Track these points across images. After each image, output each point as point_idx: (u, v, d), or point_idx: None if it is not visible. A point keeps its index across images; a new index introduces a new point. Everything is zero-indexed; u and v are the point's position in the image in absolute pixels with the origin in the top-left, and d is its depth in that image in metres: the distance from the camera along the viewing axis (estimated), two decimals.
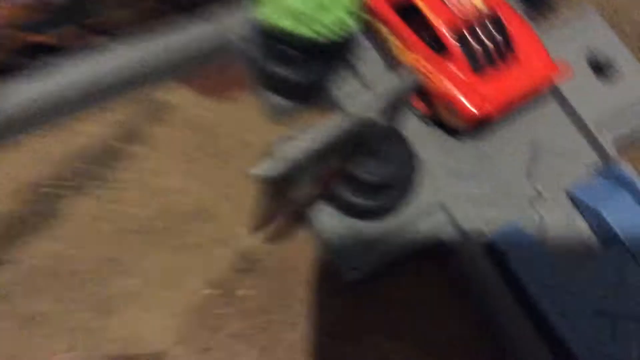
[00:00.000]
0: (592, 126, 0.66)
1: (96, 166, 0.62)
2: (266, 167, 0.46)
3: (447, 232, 0.61)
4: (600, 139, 0.66)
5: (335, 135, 0.47)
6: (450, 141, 0.64)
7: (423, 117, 0.64)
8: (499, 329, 0.60)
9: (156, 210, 0.62)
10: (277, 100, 0.65)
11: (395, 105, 0.53)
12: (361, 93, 0.63)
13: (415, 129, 0.64)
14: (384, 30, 0.65)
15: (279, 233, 0.62)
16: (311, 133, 0.48)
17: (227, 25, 0.64)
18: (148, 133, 0.65)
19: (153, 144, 0.65)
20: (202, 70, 0.68)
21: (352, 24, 0.59)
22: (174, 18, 0.63)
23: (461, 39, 0.61)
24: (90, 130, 0.63)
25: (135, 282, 0.58)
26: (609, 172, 0.65)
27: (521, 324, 0.58)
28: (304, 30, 0.56)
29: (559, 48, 0.69)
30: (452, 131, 0.64)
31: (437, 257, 0.62)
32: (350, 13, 0.58)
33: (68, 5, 0.58)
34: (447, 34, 0.60)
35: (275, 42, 0.59)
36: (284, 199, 0.52)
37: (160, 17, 0.62)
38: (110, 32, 0.61)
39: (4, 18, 0.56)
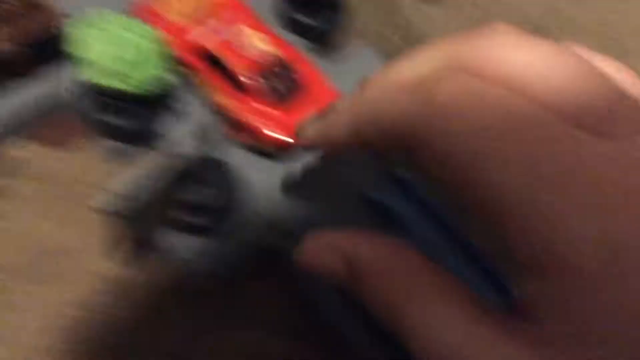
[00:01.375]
0: None
1: None
2: (104, 201, 0.58)
3: (275, 238, 0.75)
4: None
5: (164, 171, 0.60)
6: (268, 163, 0.79)
7: (244, 145, 0.78)
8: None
9: (17, 252, 0.73)
10: (115, 145, 0.75)
11: (209, 140, 0.67)
12: (177, 131, 0.76)
13: (239, 156, 0.78)
14: (198, 77, 0.78)
15: (132, 257, 0.72)
16: (142, 171, 0.61)
17: (59, 83, 0.75)
18: (4, 187, 0.75)
19: (10, 196, 0.75)
20: (44, 124, 0.76)
21: (165, 77, 0.72)
22: (10, 83, 0.73)
23: (255, 77, 0.76)
24: None
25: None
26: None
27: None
28: (122, 86, 0.68)
29: (340, 78, 0.84)
30: (269, 155, 0.78)
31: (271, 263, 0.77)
32: (162, 68, 0.71)
33: None
34: (242, 76, 0.75)
35: (101, 95, 0.70)
36: (131, 227, 0.63)
37: None
38: None
39: None
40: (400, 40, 1.03)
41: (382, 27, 1.04)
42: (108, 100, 0.70)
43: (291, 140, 0.76)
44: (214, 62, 0.77)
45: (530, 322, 0.32)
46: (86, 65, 0.68)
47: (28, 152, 0.79)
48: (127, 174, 0.64)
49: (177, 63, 0.78)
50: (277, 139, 0.76)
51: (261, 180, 0.77)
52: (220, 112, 0.79)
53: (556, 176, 0.30)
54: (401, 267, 0.40)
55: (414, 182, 0.81)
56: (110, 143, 0.76)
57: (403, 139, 0.38)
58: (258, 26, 0.81)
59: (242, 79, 0.75)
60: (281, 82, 0.77)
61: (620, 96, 0.35)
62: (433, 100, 0.36)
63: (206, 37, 0.78)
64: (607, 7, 1.23)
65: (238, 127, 0.78)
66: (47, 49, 0.73)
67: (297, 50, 0.83)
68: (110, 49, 0.67)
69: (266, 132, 0.75)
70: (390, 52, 0.99)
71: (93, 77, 0.68)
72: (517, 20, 1.11)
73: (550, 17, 1.16)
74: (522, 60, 0.35)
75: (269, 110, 0.76)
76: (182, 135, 0.77)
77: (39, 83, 0.74)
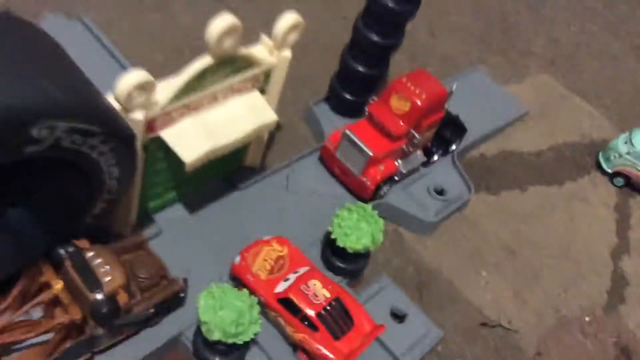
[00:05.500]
0: (399, 356, 1.10)
1: None
2: None
3: None
4: None
5: None
6: None
7: None
8: None
9: None
10: None
11: None
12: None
13: None
14: (277, 318, 1.07)
15: None
16: None
17: (177, 330, 1.02)
18: None
19: None
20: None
21: (259, 330, 0.98)
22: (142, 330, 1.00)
23: (322, 318, 1.04)
24: None
25: None
26: None
27: None
28: (234, 341, 0.94)
29: (372, 307, 1.14)
30: None
31: None
32: (257, 323, 0.97)
33: None
34: (314, 317, 1.04)
35: (211, 343, 0.96)
36: None
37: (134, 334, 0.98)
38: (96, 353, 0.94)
39: None
40: (414, 272, 1.34)
41: (398, 260, 1.35)
42: (219, 347, 0.97)
43: None
44: (293, 306, 1.05)
45: None
46: (210, 326, 0.93)
47: None
48: None
49: (266, 308, 1.07)
50: None
51: None
52: (297, 344, 1.05)
53: None
54: None
55: None
56: None
57: None
58: (320, 276, 1.11)
59: (313, 319, 1.04)
60: (340, 319, 1.06)
61: None
62: None
63: (288, 289, 1.07)
64: (557, 225, 1.58)
65: (310, 355, 1.04)
66: (170, 307, 1.02)
67: (347, 292, 1.13)
68: (230, 315, 0.94)
69: (332, 358, 1.02)
70: (406, 281, 1.30)
71: (216, 335, 0.93)
72: (495, 246, 1.44)
73: (518, 240, 1.49)
74: None
75: (332, 341, 1.04)
76: None
77: (163, 330, 1.01)
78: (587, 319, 1.36)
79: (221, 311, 0.93)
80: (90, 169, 0.85)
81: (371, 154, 1.29)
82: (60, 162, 0.82)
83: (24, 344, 0.88)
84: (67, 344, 0.88)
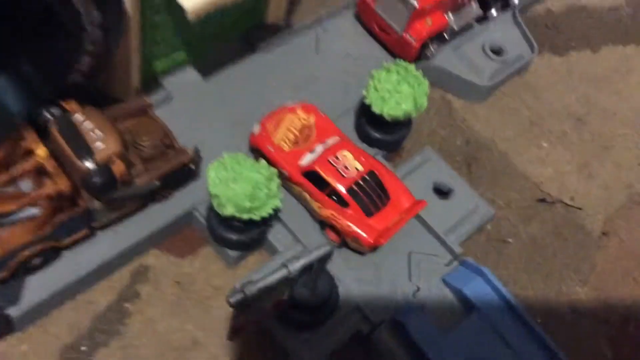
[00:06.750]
0: (442, 234, 0.96)
1: (109, 324, 0.85)
2: (233, 297, 0.71)
3: (362, 324, 0.88)
4: (449, 242, 0.96)
5: (277, 276, 0.74)
6: (354, 258, 0.93)
7: (336, 245, 0.92)
8: None
9: (159, 348, 0.85)
10: (230, 252, 0.91)
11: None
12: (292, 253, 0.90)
13: (336, 255, 0.90)
14: (303, 194, 0.93)
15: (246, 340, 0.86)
16: (260, 275, 0.75)
17: (190, 206, 0.91)
18: (140, 292, 0.88)
19: (146, 300, 0.88)
20: (171, 237, 0.92)
21: (280, 205, 0.86)
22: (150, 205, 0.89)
23: (353, 193, 0.90)
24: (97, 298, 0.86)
25: None
26: (464, 264, 0.95)
27: None
28: (251, 217, 0.82)
29: (413, 182, 1.00)
30: (356, 252, 0.93)
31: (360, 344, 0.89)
32: (279, 199, 0.85)
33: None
34: (343, 192, 0.90)
35: (229, 220, 0.84)
36: (250, 316, 0.76)
37: (140, 209, 0.88)
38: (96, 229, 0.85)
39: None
40: (463, 144, 1.17)
41: (445, 131, 1.19)
42: (232, 223, 0.85)
43: (383, 243, 0.90)
44: (319, 180, 0.92)
45: None
46: (224, 200, 0.82)
47: (155, 260, 0.92)
48: (247, 280, 0.77)
49: (288, 182, 0.94)
50: (372, 243, 0.89)
51: (349, 275, 0.91)
52: (322, 221, 0.93)
53: None
54: None
55: (486, 270, 0.94)
56: (228, 251, 0.91)
57: None
58: (352, 147, 0.96)
59: (343, 194, 0.90)
60: (373, 194, 0.92)
61: None
62: None
63: (313, 161, 0.93)
64: (634, 91, 1.37)
65: (337, 233, 0.92)
66: (179, 179, 0.90)
67: (383, 165, 0.98)
68: (245, 188, 0.81)
69: (366, 237, 0.89)
70: (454, 154, 1.14)
71: (229, 210, 0.82)
72: (560, 114, 1.25)
73: (587, 108, 1.30)
74: None
75: (364, 218, 0.90)
76: (286, 240, 0.92)
77: (173, 205, 0.90)
78: None
79: (234, 184, 0.81)
80: (66, 14, 0.72)
81: (416, 4, 1.09)
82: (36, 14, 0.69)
83: (14, 219, 0.78)
84: (61, 218, 0.79)
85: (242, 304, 0.68)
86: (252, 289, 0.68)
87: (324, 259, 0.73)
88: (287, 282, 0.73)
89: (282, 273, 0.69)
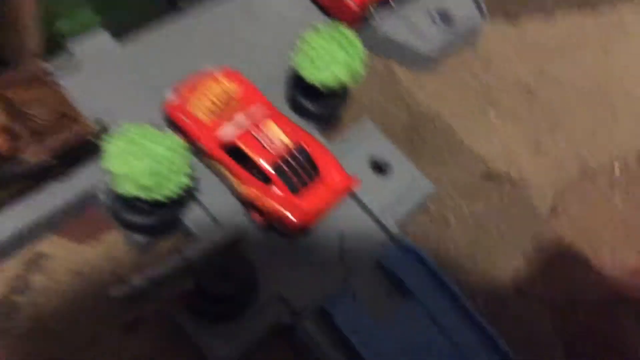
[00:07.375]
0: (378, 214, 0.89)
1: None
2: (116, 290, 0.63)
3: (285, 314, 0.80)
4: (386, 223, 0.88)
5: (169, 264, 0.66)
6: (281, 242, 0.84)
7: (259, 226, 0.84)
8: None
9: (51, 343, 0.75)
10: (137, 237, 0.81)
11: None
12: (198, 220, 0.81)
13: (254, 235, 0.83)
14: (222, 170, 0.84)
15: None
16: (156, 267, 0.67)
17: (90, 185, 0.80)
18: (33, 283, 0.78)
19: (39, 292, 0.78)
20: (70, 221, 0.82)
21: (190, 183, 0.76)
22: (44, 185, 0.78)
23: (278, 169, 0.81)
24: None
25: None
26: (401, 247, 0.88)
27: None
28: (154, 196, 0.73)
29: (347, 157, 0.91)
30: (282, 235, 0.84)
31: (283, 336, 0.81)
32: (189, 176, 0.75)
33: None
34: (267, 167, 0.81)
35: (131, 200, 0.75)
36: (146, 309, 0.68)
37: (33, 189, 0.77)
38: None
39: None
40: (405, 117, 1.09)
41: (387, 103, 1.10)
42: (137, 204, 0.76)
43: (310, 225, 0.82)
44: (240, 154, 0.83)
45: None
46: (121, 178, 0.73)
47: (51, 247, 0.83)
48: (142, 271, 0.68)
49: (205, 156, 0.84)
50: (297, 224, 0.80)
51: (274, 260, 0.82)
52: (244, 200, 0.84)
53: None
54: None
55: (423, 253, 0.87)
56: (134, 236, 0.81)
57: None
58: (279, 118, 0.87)
59: (266, 170, 0.81)
60: (301, 170, 0.83)
61: None
62: None
63: (234, 133, 0.84)
64: (589, 61, 1.31)
65: (261, 213, 0.83)
66: (80, 155, 0.79)
67: (314, 138, 0.89)
68: (144, 164, 0.72)
69: (291, 217, 0.80)
70: (396, 128, 1.06)
71: (127, 189, 0.73)
72: (511, 86, 1.18)
73: (540, 79, 1.23)
74: None
75: (290, 197, 0.81)
76: (204, 222, 0.82)
77: (72, 184, 0.80)
78: (617, 169, 1.14)
79: (133, 158, 0.71)
80: None
81: None
82: None
83: None
84: None
85: (132, 297, 0.60)
86: (139, 281, 0.60)
87: (234, 243, 0.65)
88: (188, 270, 0.65)
89: (174, 261, 0.61)
